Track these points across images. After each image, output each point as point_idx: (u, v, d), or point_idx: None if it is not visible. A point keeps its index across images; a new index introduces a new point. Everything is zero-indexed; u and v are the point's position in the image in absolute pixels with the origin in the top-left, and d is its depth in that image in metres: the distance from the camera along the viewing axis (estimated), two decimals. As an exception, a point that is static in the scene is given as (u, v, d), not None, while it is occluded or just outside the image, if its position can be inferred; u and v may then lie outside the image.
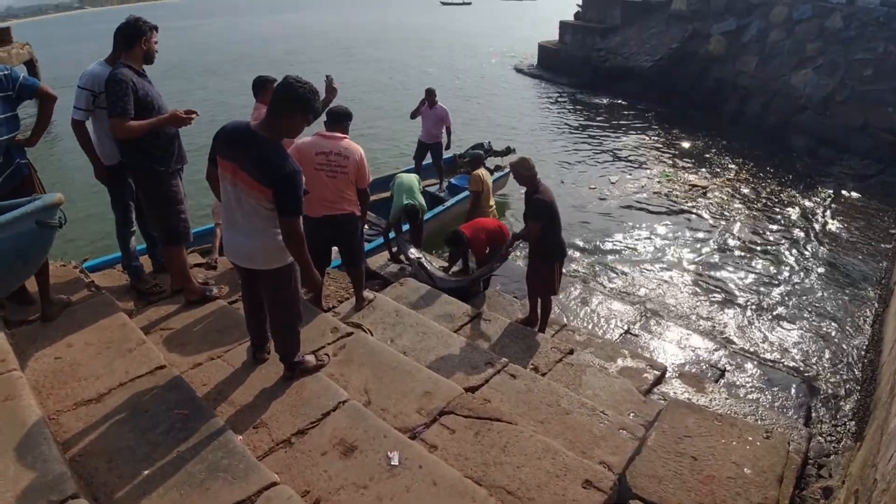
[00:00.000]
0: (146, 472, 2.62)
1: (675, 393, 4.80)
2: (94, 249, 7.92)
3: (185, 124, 3.88)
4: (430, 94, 9.35)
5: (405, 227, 7.15)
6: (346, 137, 4.43)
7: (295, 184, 2.84)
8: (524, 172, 4.97)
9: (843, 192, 11.56)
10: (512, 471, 3.03)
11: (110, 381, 3.24)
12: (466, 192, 8.63)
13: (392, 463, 2.82)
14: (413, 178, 6.93)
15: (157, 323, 4.12)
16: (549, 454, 3.17)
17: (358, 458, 2.88)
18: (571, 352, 4.81)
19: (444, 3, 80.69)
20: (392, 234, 6.94)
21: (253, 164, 2.83)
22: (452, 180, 10.10)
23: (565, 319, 6.19)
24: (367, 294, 5.08)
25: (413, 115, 9.72)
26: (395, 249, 6.92)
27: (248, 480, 2.54)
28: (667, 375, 5.08)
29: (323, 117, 4.59)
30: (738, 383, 5.40)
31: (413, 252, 6.55)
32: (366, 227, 7.90)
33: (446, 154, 10.09)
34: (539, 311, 5.50)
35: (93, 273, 4.79)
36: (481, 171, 7.07)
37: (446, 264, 6.90)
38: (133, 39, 3.88)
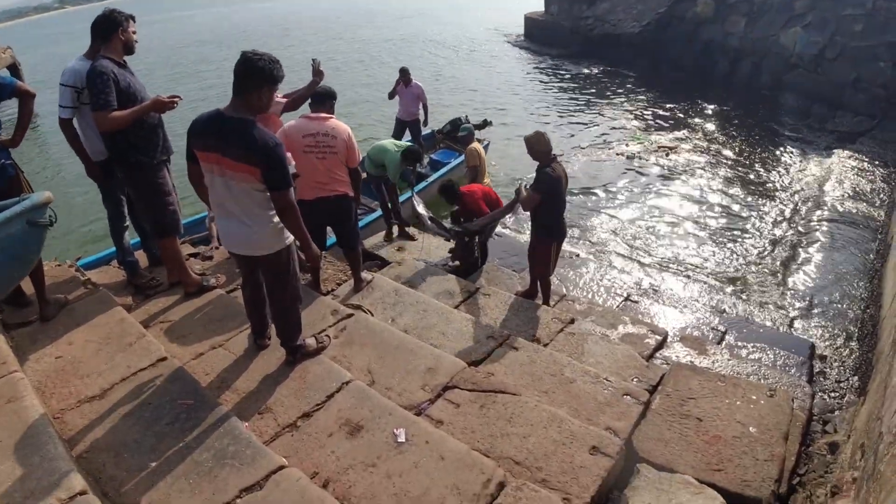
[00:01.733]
0: (153, 464, 2.63)
1: (677, 357, 4.80)
2: (87, 246, 7.90)
3: (169, 109, 3.82)
4: (405, 72, 9.40)
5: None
6: (331, 117, 4.40)
7: (280, 156, 2.85)
8: (539, 148, 4.82)
9: (837, 148, 11.51)
10: (519, 441, 3.05)
11: (112, 376, 3.25)
12: (448, 166, 8.64)
13: (399, 440, 2.84)
14: (383, 141, 6.78)
15: (157, 316, 4.11)
16: (554, 423, 3.18)
17: (365, 438, 2.89)
18: (572, 321, 4.81)
19: None
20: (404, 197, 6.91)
21: (236, 146, 2.81)
22: (433, 156, 10.18)
23: (565, 290, 6.18)
24: (366, 275, 5.07)
25: (391, 95, 9.80)
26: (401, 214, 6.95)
27: (256, 465, 2.55)
28: (668, 339, 5.08)
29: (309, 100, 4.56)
30: (739, 344, 5.40)
31: (422, 208, 6.50)
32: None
33: (425, 130, 10.13)
34: (539, 286, 5.47)
35: (88, 270, 4.77)
36: (476, 145, 7.03)
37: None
38: (109, 31, 3.82)
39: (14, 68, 26.17)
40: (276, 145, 2.85)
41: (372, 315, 4.47)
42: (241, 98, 2.87)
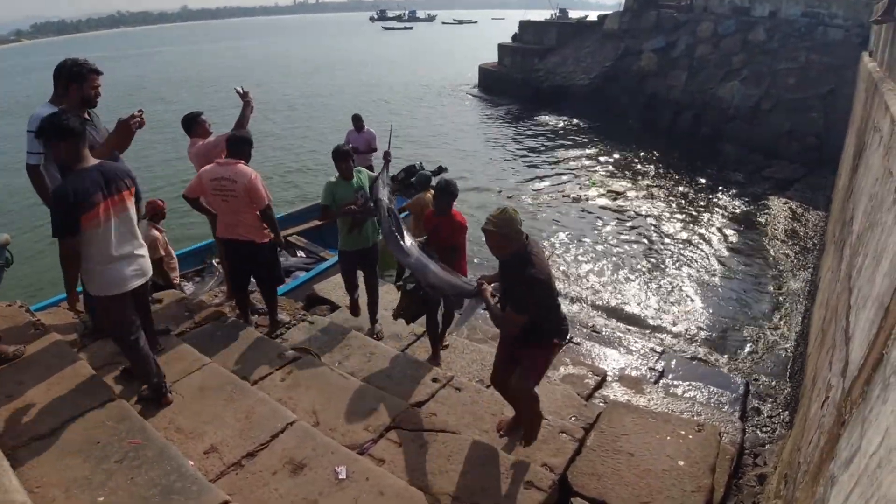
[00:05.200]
0: (101, 499, 2.69)
1: (615, 396, 5.02)
2: (43, 289, 7.85)
3: (136, 127, 3.86)
4: (357, 119, 9.47)
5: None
6: (238, 163, 4.59)
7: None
8: (509, 232, 3.17)
9: (773, 195, 12.19)
10: (457, 477, 3.20)
11: (63, 415, 3.28)
12: (405, 214, 8.73)
13: (340, 477, 2.96)
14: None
15: (106, 358, 4.15)
16: (492, 460, 3.35)
17: (307, 475, 3.01)
18: (517, 363, 4.98)
19: (385, 28, 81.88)
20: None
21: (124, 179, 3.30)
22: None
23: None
24: (282, 316, 5.27)
25: (346, 142, 9.69)
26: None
27: (201, 501, 2.64)
28: (608, 380, 5.30)
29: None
30: (675, 383, 5.67)
31: (386, 198, 4.71)
32: (300, 253, 8.03)
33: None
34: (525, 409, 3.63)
35: (38, 312, 4.79)
36: (426, 195, 7.04)
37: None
38: (67, 84, 3.84)
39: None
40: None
41: (319, 358, 4.60)
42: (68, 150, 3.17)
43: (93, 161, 3.23)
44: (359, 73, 35.04)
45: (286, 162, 15.96)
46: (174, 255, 6.41)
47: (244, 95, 5.22)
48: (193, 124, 5.34)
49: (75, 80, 3.83)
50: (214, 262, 7.22)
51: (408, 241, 4.27)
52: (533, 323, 3.27)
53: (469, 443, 3.45)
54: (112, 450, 3.01)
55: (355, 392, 3.91)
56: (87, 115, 3.93)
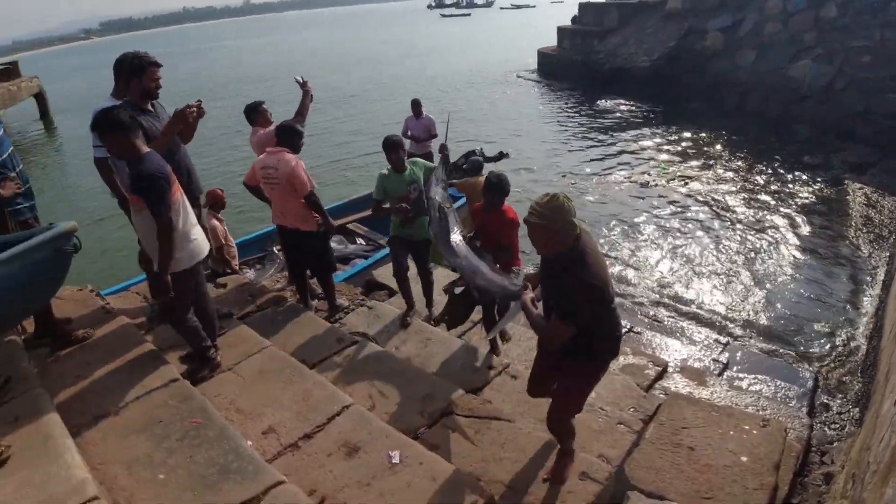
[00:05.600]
0: (162, 477, 2.80)
1: (676, 387, 4.88)
2: (109, 273, 8.20)
3: (193, 117, 3.96)
4: (416, 104, 9.42)
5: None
6: (283, 151, 4.65)
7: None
8: (560, 225, 2.60)
9: (847, 179, 11.56)
10: (510, 466, 3.17)
11: (127, 395, 3.43)
12: (461, 201, 8.69)
13: (393, 461, 2.98)
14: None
15: (171, 340, 4.30)
16: (546, 450, 3.30)
17: (361, 458, 3.04)
18: (573, 353, 4.91)
19: (443, 16, 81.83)
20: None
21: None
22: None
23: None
24: (341, 301, 5.33)
25: (404, 132, 9.59)
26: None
27: (257, 480, 2.71)
28: (669, 370, 5.17)
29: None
30: (740, 376, 5.47)
31: (439, 196, 4.36)
32: (360, 241, 8.07)
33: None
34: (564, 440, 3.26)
35: (108, 296, 4.99)
36: (475, 179, 6.93)
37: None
38: (127, 77, 3.97)
39: (41, 97, 27.08)
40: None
41: (376, 343, 4.64)
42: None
43: (146, 150, 3.38)
44: (416, 63, 35.11)
45: (345, 151, 16.13)
46: (233, 243, 6.58)
47: (303, 85, 5.30)
48: (255, 114, 5.46)
49: (135, 74, 3.96)
50: (275, 249, 7.39)
51: (458, 238, 4.04)
52: (581, 336, 2.73)
53: (524, 431, 3.41)
54: (174, 429, 3.11)
55: (411, 377, 3.93)
56: (150, 107, 4.05)
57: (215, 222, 6.20)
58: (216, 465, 2.83)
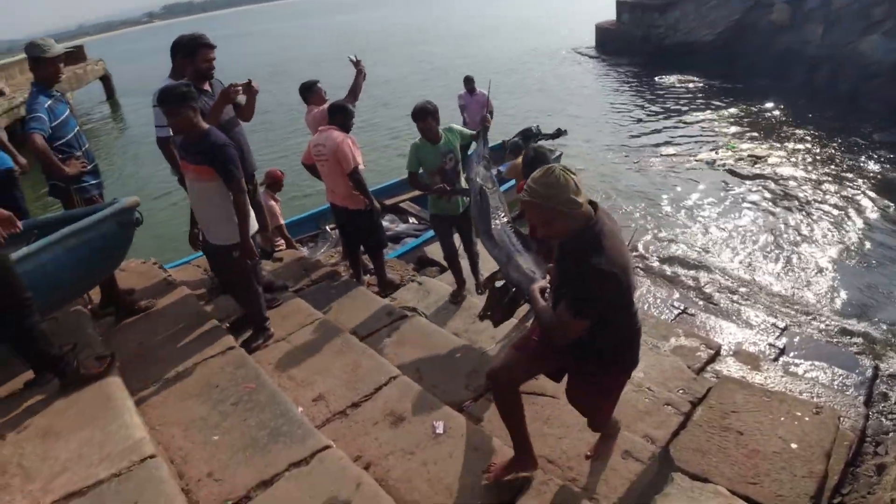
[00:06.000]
0: (216, 438, 2.96)
1: (729, 371, 4.77)
2: (171, 247, 8.52)
3: (234, 96, 4.13)
4: (469, 80, 9.26)
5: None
6: (332, 128, 4.72)
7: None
8: (556, 203, 2.21)
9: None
10: (553, 441, 3.19)
11: (186, 361, 3.62)
12: (510, 183, 8.58)
13: (437, 432, 3.04)
14: None
15: (229, 310, 4.48)
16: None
17: (406, 428, 3.11)
18: (622, 331, 4.86)
19: None
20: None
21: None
22: (501, 168, 10.04)
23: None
24: (392, 277, 5.41)
25: (460, 105, 9.53)
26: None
27: (305, 444, 2.82)
28: (722, 354, 5.06)
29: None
30: (797, 362, 5.32)
31: (480, 176, 4.07)
32: (412, 220, 8.13)
33: (493, 142, 9.94)
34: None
35: (171, 269, 5.22)
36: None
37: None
38: (182, 57, 4.14)
39: (106, 79, 28.19)
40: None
41: (425, 317, 4.71)
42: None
43: (205, 125, 3.54)
44: (469, 41, 34.83)
45: (397, 131, 16.21)
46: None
47: (357, 64, 5.35)
48: (309, 93, 5.57)
49: (188, 55, 4.11)
50: (328, 227, 7.54)
51: (500, 224, 3.72)
52: (593, 336, 2.42)
53: (568, 408, 3.40)
54: (228, 393, 3.27)
55: (458, 351, 3.98)
56: (208, 87, 4.19)
57: (273, 203, 6.35)
58: (267, 428, 2.96)
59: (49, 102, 3.79)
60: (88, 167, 4.01)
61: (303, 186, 10.69)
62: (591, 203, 2.31)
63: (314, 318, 4.32)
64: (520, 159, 5.35)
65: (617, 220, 2.52)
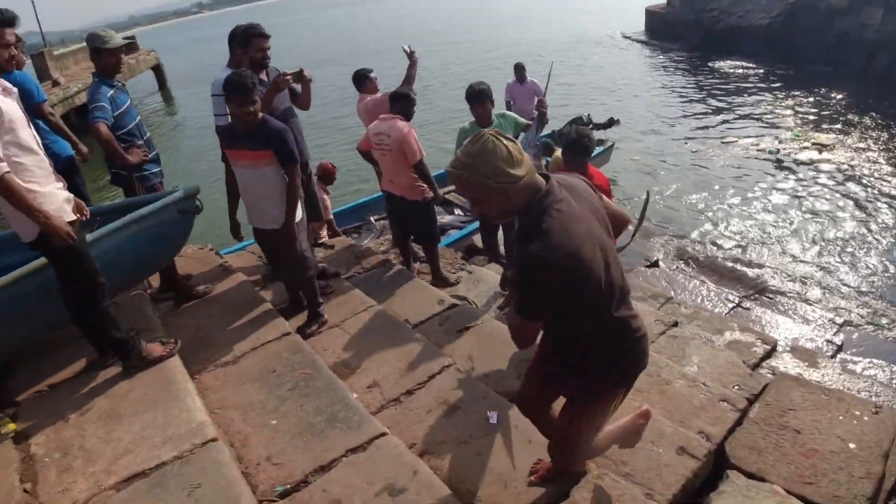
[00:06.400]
0: (274, 422, 3.02)
1: (785, 367, 4.67)
2: (225, 233, 8.70)
3: (284, 85, 4.17)
4: (519, 69, 8.97)
5: None
6: (396, 118, 4.67)
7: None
8: (482, 177, 1.84)
9: None
10: (604, 435, 3.16)
11: (243, 346, 3.71)
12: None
13: (491, 421, 3.04)
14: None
15: (284, 297, 4.56)
16: (644, 423, 3.26)
17: (459, 417, 3.12)
18: (676, 324, 4.78)
19: None
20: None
21: None
22: (549, 159, 9.90)
23: (672, 293, 6.11)
24: (446, 275, 5.33)
25: (506, 98, 9.20)
26: None
27: (362, 431, 2.86)
28: (778, 349, 4.94)
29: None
30: (855, 359, 5.17)
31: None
32: (458, 211, 8.11)
33: (542, 132, 9.83)
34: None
35: (227, 255, 5.35)
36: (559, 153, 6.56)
37: None
38: (238, 47, 4.24)
39: (158, 69, 28.89)
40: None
41: (476, 306, 4.71)
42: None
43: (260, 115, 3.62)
44: (512, 27, 34.41)
45: (444, 120, 16.16)
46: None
47: (411, 55, 5.34)
48: (364, 80, 5.60)
49: (243, 44, 4.21)
50: (372, 219, 7.58)
51: None
52: (563, 339, 2.18)
53: (623, 402, 3.38)
54: (285, 379, 3.33)
55: (508, 341, 3.95)
56: (264, 76, 4.26)
57: (325, 196, 6.40)
58: (324, 413, 3.01)
59: (111, 92, 3.89)
60: (150, 156, 4.12)
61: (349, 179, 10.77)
62: (544, 176, 1.94)
63: (367, 305, 4.36)
64: (558, 151, 5.24)
65: (598, 192, 2.09)
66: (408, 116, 4.76)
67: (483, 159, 1.82)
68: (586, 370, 2.18)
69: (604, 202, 2.10)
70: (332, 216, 6.77)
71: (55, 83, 19.08)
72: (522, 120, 4.66)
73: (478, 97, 4.36)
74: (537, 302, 1.89)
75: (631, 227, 3.18)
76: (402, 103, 4.77)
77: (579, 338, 2.11)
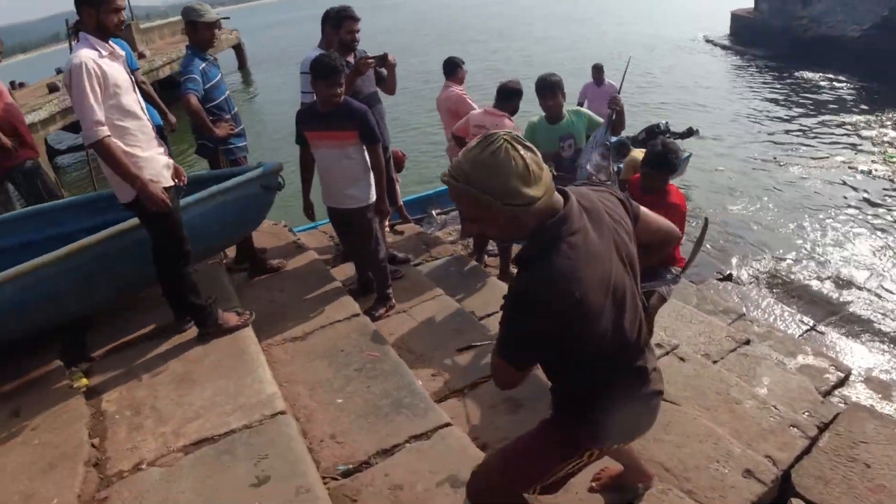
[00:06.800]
0: (340, 401, 3.07)
1: (857, 397, 4.48)
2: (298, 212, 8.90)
3: (365, 69, 4.19)
4: (598, 70, 8.64)
5: None
6: (505, 116, 4.56)
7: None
8: (485, 188, 1.45)
9: None
10: (671, 449, 3.09)
11: (313, 323, 3.79)
12: None
13: (555, 423, 3.01)
14: None
15: (354, 278, 4.63)
16: (711, 439, 3.17)
17: (522, 415, 3.11)
18: (748, 342, 4.63)
19: None
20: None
21: None
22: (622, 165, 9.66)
23: (744, 309, 5.91)
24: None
25: (580, 101, 8.76)
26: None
27: (426, 419, 2.87)
28: (851, 378, 4.73)
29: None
30: (936, 396, 4.91)
31: (592, 165, 3.77)
32: None
33: (615, 137, 9.43)
34: None
35: (300, 233, 5.47)
36: (635, 154, 6.15)
37: None
38: (329, 27, 4.34)
39: (239, 49, 29.69)
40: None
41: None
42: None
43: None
44: (588, 26, 33.71)
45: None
46: None
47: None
48: (456, 68, 5.58)
49: (333, 26, 4.30)
50: (434, 212, 7.60)
51: None
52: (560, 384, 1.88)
53: (688, 417, 3.30)
54: (353, 359, 3.38)
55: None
56: (351, 59, 4.31)
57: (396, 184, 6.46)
58: (390, 397, 3.04)
59: (203, 65, 4.02)
60: (237, 130, 4.24)
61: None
62: (562, 192, 1.58)
63: (434, 293, 4.38)
64: (637, 153, 5.02)
65: (625, 216, 1.72)
66: (514, 111, 4.70)
67: (492, 172, 1.44)
68: (561, 406, 1.90)
69: (641, 219, 1.79)
70: (401, 202, 6.82)
71: (140, 55, 19.81)
72: (598, 118, 4.21)
73: (549, 88, 3.99)
74: (522, 346, 1.61)
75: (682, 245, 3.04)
76: (516, 99, 4.65)
77: (582, 383, 1.79)
